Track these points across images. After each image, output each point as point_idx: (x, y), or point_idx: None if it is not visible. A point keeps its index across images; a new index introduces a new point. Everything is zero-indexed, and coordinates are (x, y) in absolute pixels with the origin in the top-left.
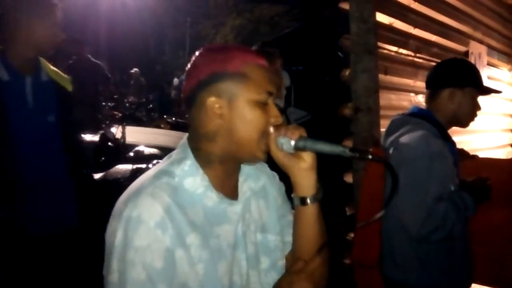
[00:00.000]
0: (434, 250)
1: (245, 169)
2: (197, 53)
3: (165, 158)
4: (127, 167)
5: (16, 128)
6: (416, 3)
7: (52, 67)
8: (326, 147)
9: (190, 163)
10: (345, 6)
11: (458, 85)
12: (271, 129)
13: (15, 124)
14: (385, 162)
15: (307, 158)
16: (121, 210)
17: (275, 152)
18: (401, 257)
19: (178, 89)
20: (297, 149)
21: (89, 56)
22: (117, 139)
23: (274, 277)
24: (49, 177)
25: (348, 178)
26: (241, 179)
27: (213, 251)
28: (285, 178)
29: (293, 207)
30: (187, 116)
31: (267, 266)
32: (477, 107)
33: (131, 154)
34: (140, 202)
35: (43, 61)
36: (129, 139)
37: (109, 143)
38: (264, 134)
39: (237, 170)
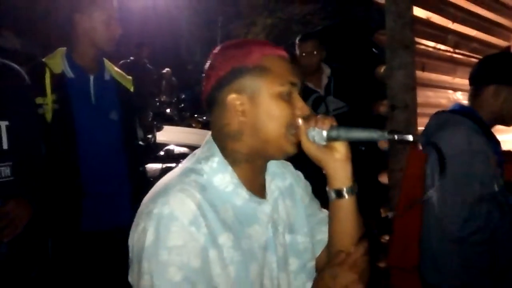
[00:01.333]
0: (476, 253)
1: (271, 168)
2: (213, 52)
3: (190, 156)
4: (157, 166)
5: (79, 124)
6: None
7: (115, 68)
8: (361, 134)
9: (218, 160)
10: (380, 0)
11: (504, 82)
12: (300, 122)
13: (78, 120)
14: (428, 140)
15: (341, 148)
16: (150, 208)
17: (307, 145)
18: (441, 260)
19: None
20: (330, 139)
21: (146, 61)
22: (148, 138)
23: (303, 279)
24: (107, 174)
25: (383, 179)
26: (268, 178)
27: (245, 253)
28: (311, 177)
29: (324, 204)
30: (209, 117)
31: (296, 268)
32: None
33: (162, 153)
34: (171, 199)
35: (107, 62)
36: (160, 138)
37: (140, 142)
38: (292, 127)
39: (264, 168)
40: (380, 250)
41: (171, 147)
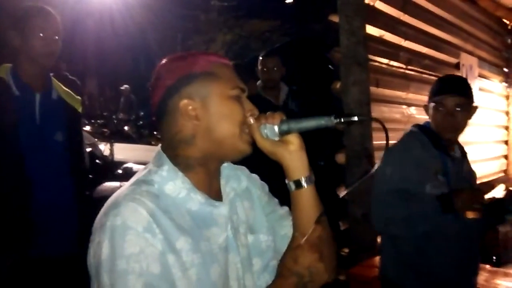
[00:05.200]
0: (404, 246)
1: (225, 171)
2: (158, 65)
3: (141, 169)
4: (115, 184)
5: (24, 144)
6: (406, 15)
7: (63, 87)
8: (310, 123)
9: (167, 168)
10: (335, 19)
11: (429, 99)
12: (251, 121)
13: (22, 140)
14: (373, 118)
15: (294, 140)
16: (102, 222)
17: (261, 142)
18: (384, 253)
19: None
20: (282, 133)
21: (67, 74)
22: (105, 156)
23: (266, 278)
24: (53, 197)
25: (341, 192)
26: (222, 181)
27: (205, 255)
28: (267, 180)
29: (283, 201)
30: (158, 129)
31: (259, 268)
32: (443, 119)
33: (120, 171)
34: (123, 210)
35: (55, 81)
36: (118, 156)
37: (97, 160)
38: (245, 126)
39: (218, 172)
40: (340, 263)
41: (129, 165)
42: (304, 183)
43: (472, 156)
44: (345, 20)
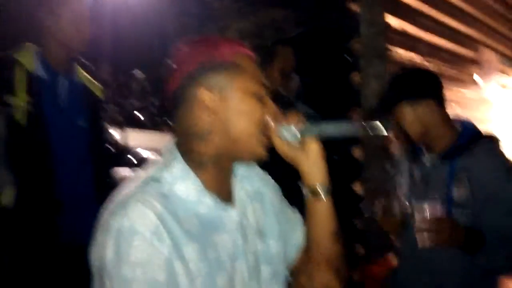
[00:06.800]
0: None
1: (239, 171)
2: (177, 48)
3: (151, 163)
4: (127, 171)
5: (49, 127)
6: (427, 6)
7: (85, 73)
8: (334, 129)
9: (180, 166)
10: (354, 7)
11: None
12: (271, 121)
13: (47, 123)
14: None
15: (313, 146)
16: (108, 222)
17: (280, 145)
18: None
19: None
20: (302, 137)
21: (80, 58)
22: (117, 142)
23: (275, 287)
24: (76, 183)
25: (357, 188)
26: (236, 182)
27: (212, 263)
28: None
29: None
30: (173, 118)
31: (267, 275)
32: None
33: (132, 158)
34: (131, 211)
35: (77, 66)
36: (130, 142)
37: (109, 147)
38: (263, 127)
39: (231, 171)
40: (355, 262)
41: (141, 152)
42: (320, 191)
43: None
44: (365, 9)
